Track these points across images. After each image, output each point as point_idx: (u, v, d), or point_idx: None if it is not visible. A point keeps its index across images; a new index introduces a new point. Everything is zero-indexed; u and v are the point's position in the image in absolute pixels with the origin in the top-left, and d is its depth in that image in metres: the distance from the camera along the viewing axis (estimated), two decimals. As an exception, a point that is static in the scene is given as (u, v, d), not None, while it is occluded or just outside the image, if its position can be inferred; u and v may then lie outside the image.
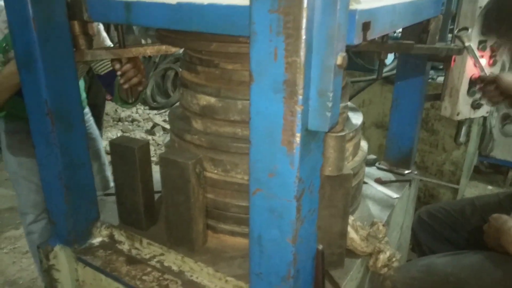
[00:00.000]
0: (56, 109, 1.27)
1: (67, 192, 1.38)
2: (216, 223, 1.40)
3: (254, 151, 0.89)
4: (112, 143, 1.41)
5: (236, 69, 1.27)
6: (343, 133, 1.05)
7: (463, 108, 1.79)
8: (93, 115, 2.30)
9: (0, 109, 1.86)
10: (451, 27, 2.02)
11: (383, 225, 1.38)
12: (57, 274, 1.53)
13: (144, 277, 1.33)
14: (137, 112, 5.78)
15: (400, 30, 1.91)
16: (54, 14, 1.20)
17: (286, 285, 0.97)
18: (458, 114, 1.80)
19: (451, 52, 1.54)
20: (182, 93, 1.43)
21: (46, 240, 1.52)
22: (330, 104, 0.81)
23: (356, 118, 1.52)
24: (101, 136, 2.49)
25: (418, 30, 1.55)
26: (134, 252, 1.45)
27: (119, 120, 5.52)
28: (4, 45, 1.74)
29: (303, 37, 0.75)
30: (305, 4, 0.73)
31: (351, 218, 1.32)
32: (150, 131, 5.20)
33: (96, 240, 1.51)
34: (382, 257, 1.34)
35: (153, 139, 4.95)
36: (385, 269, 1.37)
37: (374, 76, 2.86)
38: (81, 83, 2.18)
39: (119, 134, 5.09)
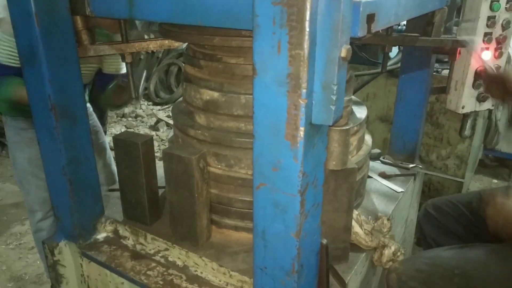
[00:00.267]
0: (59, 104, 1.27)
1: (72, 187, 1.38)
2: (220, 218, 1.40)
3: (258, 146, 0.88)
4: (116, 138, 1.41)
5: (239, 63, 1.27)
6: (347, 127, 1.05)
7: (468, 101, 1.77)
8: (97, 110, 2.30)
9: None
10: (456, 19, 2.00)
11: (388, 219, 1.38)
12: (63, 270, 1.54)
13: (148, 272, 1.33)
14: (140, 108, 5.78)
15: (405, 22, 1.89)
16: (57, 9, 1.19)
17: (290, 280, 0.97)
18: (463, 107, 1.78)
19: (456, 44, 1.53)
20: (185, 88, 1.43)
21: (51, 236, 1.52)
22: (334, 97, 0.80)
23: (360, 112, 1.51)
24: (105, 132, 2.48)
25: (423, 23, 1.54)
26: (138, 247, 1.45)
27: (123, 116, 5.52)
28: None
29: (307, 29, 0.74)
30: (308, -4, 0.72)
31: (355, 213, 1.32)
32: (154, 127, 5.21)
33: (101, 236, 1.51)
34: (387, 252, 1.34)
35: (157, 135, 4.95)
36: (390, 263, 1.37)
37: (379, 70, 2.84)
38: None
39: (123, 130, 5.10)
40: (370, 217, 1.40)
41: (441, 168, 3.01)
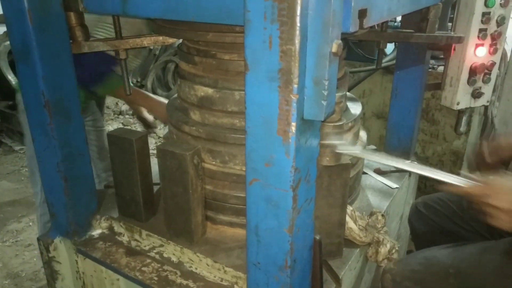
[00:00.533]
0: (53, 101, 1.27)
1: (66, 184, 1.38)
2: (215, 214, 1.40)
3: (250, 141, 0.89)
4: (111, 134, 1.41)
5: (233, 59, 1.27)
6: (340, 123, 1.05)
7: (463, 97, 1.77)
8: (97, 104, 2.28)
9: None
10: (451, 15, 2.00)
11: (382, 215, 1.38)
12: (58, 266, 1.54)
13: (143, 268, 1.33)
14: (138, 105, 5.77)
15: (400, 18, 1.89)
16: (50, 5, 1.19)
17: (284, 275, 0.97)
18: (458, 104, 1.79)
19: (451, 40, 1.53)
20: (180, 84, 1.43)
21: (46, 232, 1.53)
22: (325, 93, 0.80)
23: (355, 108, 1.51)
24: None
25: (417, 19, 1.54)
26: (133, 243, 1.45)
27: (120, 113, 5.51)
28: None
29: (298, 24, 0.74)
30: (299, -9, 0.72)
31: (349, 208, 1.32)
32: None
33: (96, 232, 1.51)
34: (383, 250, 1.34)
35: (154, 132, 4.94)
36: (386, 261, 1.37)
37: (374, 66, 2.84)
38: None
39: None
40: (364, 212, 1.40)
41: (437, 164, 3.02)
